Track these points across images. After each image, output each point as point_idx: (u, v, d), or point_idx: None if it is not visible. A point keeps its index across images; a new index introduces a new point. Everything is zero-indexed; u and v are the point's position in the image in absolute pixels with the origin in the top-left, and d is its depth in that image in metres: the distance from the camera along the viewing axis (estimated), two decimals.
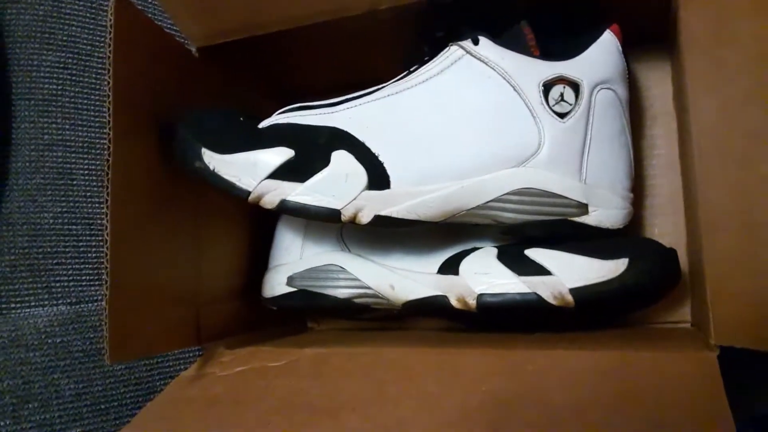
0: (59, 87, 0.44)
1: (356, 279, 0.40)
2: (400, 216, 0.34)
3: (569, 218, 0.35)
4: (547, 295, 0.34)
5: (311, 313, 0.49)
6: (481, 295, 0.35)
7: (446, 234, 0.39)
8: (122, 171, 0.32)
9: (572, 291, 0.34)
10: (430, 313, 0.39)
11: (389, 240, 0.40)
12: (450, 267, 0.37)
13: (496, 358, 0.32)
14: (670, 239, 0.40)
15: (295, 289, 0.42)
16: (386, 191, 0.34)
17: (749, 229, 0.27)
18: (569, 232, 0.36)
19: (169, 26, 0.43)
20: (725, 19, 0.28)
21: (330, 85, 0.47)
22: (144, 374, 0.44)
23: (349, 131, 0.34)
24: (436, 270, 0.38)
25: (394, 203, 0.34)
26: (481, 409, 0.29)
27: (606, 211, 0.36)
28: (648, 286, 0.34)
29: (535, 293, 0.34)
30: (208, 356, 0.38)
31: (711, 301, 0.29)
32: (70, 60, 0.45)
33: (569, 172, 0.35)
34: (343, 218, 0.33)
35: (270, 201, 0.33)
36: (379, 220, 0.34)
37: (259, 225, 0.46)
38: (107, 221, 0.31)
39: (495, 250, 0.37)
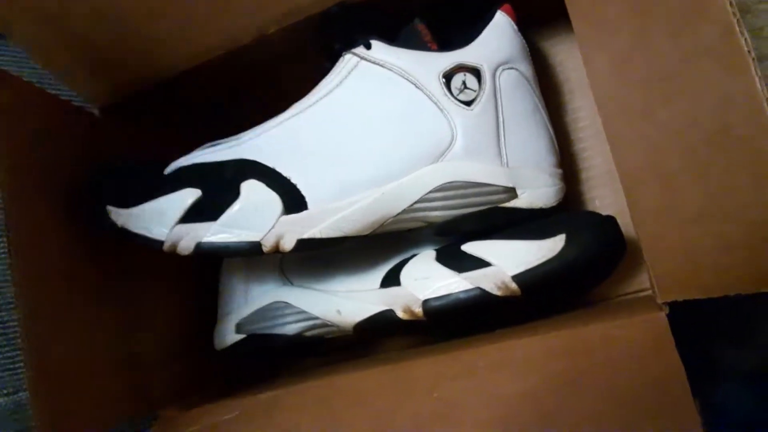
0: None
1: (302, 311, 0.38)
2: (324, 236, 0.33)
3: (499, 205, 0.34)
4: (491, 287, 0.33)
5: (268, 357, 0.47)
6: (425, 301, 0.34)
7: (385, 246, 0.38)
8: (27, 247, 0.31)
9: (515, 278, 0.33)
10: (383, 331, 0.37)
11: (329, 264, 0.39)
12: (392, 279, 0.36)
13: (448, 361, 0.30)
14: (614, 209, 0.39)
15: (245, 336, 0.40)
16: (304, 213, 0.32)
17: (663, 179, 0.26)
18: (503, 220, 0.35)
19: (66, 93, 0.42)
20: None
21: (253, 121, 0.47)
22: None
23: (257, 159, 0.33)
24: (379, 284, 0.36)
25: (315, 224, 0.32)
26: (434, 416, 0.27)
27: (536, 191, 0.35)
28: (590, 258, 0.33)
29: (479, 288, 0.33)
30: (163, 421, 0.36)
31: (648, 261, 0.28)
32: None
33: (489, 158, 0.34)
34: (264, 249, 0.32)
35: (186, 246, 0.32)
36: (304, 244, 0.32)
37: (203, 273, 0.44)
38: (18, 302, 0.30)
39: (433, 253, 0.36)
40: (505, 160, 0.34)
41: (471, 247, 0.34)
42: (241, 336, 0.40)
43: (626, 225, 0.35)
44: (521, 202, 0.35)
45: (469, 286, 0.33)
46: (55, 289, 0.32)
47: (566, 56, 0.43)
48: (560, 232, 0.33)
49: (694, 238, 0.25)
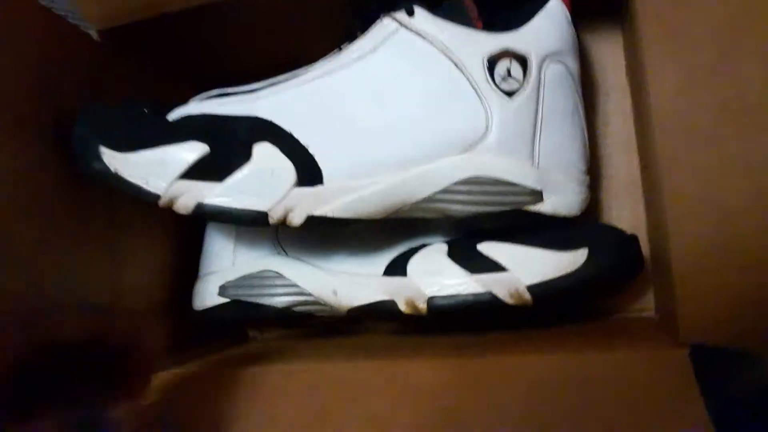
0: None
1: (295, 285, 0.36)
2: (336, 215, 0.30)
3: (523, 207, 0.32)
4: (503, 294, 0.31)
5: (249, 324, 0.44)
6: (431, 298, 0.32)
7: (393, 230, 0.35)
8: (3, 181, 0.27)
9: (530, 288, 0.31)
10: (379, 318, 0.35)
11: (330, 240, 0.36)
12: (397, 268, 0.34)
13: (451, 368, 0.29)
14: (629, 222, 0.38)
15: (228, 300, 0.37)
16: (319, 188, 0.30)
17: (719, 217, 0.24)
18: (524, 223, 0.33)
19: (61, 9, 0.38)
20: None
21: (256, 67, 0.42)
22: None
23: (273, 120, 0.30)
24: (383, 271, 0.34)
25: (329, 201, 0.30)
26: (437, 428, 0.26)
27: (561, 198, 0.33)
28: (609, 278, 0.32)
29: (490, 292, 0.31)
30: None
31: (678, 297, 0.27)
32: None
33: (521, 157, 0.32)
34: (271, 221, 0.29)
35: (184, 205, 0.29)
36: (314, 221, 0.30)
37: (188, 228, 0.41)
38: None
39: (445, 246, 0.33)
40: (537, 161, 0.32)
41: (487, 248, 0.32)
42: (224, 300, 0.37)
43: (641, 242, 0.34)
44: (545, 207, 0.32)
45: (480, 290, 0.31)
46: (35, 232, 0.29)
47: (608, 55, 0.40)
48: (582, 246, 0.31)
49: (739, 286, 0.24)
